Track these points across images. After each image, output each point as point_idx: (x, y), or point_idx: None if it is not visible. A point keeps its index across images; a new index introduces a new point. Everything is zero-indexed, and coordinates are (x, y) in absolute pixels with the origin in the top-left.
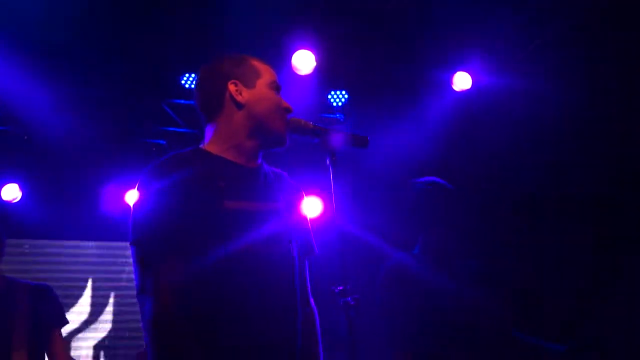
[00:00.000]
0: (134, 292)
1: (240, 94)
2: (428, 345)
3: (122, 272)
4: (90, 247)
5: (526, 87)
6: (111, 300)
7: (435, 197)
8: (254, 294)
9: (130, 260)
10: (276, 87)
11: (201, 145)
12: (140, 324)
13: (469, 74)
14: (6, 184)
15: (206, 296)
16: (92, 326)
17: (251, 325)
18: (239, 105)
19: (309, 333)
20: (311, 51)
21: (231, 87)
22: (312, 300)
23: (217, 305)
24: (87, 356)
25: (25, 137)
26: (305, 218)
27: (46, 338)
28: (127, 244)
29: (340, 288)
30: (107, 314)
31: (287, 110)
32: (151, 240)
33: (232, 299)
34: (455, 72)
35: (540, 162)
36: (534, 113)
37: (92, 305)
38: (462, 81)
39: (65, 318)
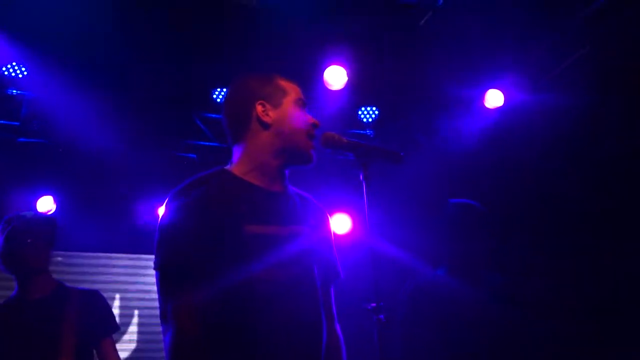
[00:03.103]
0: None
1: (267, 114)
2: None
3: (153, 285)
4: (122, 259)
5: (558, 104)
6: (137, 313)
7: (463, 217)
8: (277, 319)
9: None
10: (302, 104)
11: (227, 167)
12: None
13: (501, 91)
14: (41, 196)
15: (227, 322)
16: (119, 339)
17: (274, 351)
18: (266, 125)
19: (334, 358)
20: (343, 67)
21: (258, 108)
22: (337, 326)
23: (237, 331)
24: None
25: (60, 150)
26: (330, 242)
27: (95, 345)
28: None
29: (374, 305)
30: (133, 327)
31: (314, 126)
32: (172, 266)
33: (253, 325)
34: (488, 89)
35: (573, 179)
36: (566, 131)
37: (120, 316)
38: (494, 98)
39: (116, 324)
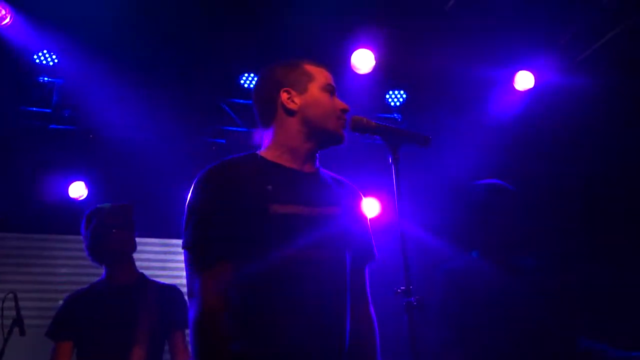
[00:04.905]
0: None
1: (292, 101)
2: (484, 348)
3: (182, 269)
4: (152, 243)
5: (590, 86)
6: None
7: (496, 198)
8: (298, 300)
9: None
10: (330, 90)
11: (258, 151)
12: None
13: (532, 73)
14: (73, 182)
15: (248, 302)
16: None
17: (296, 332)
18: (291, 112)
19: (366, 342)
20: (371, 50)
21: (283, 96)
22: (371, 308)
23: (261, 311)
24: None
25: (91, 136)
26: (365, 223)
27: (168, 337)
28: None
29: (403, 288)
30: None
31: (344, 111)
32: (199, 245)
33: (274, 305)
34: (518, 71)
35: (605, 161)
36: (597, 113)
37: None
38: (524, 80)
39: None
